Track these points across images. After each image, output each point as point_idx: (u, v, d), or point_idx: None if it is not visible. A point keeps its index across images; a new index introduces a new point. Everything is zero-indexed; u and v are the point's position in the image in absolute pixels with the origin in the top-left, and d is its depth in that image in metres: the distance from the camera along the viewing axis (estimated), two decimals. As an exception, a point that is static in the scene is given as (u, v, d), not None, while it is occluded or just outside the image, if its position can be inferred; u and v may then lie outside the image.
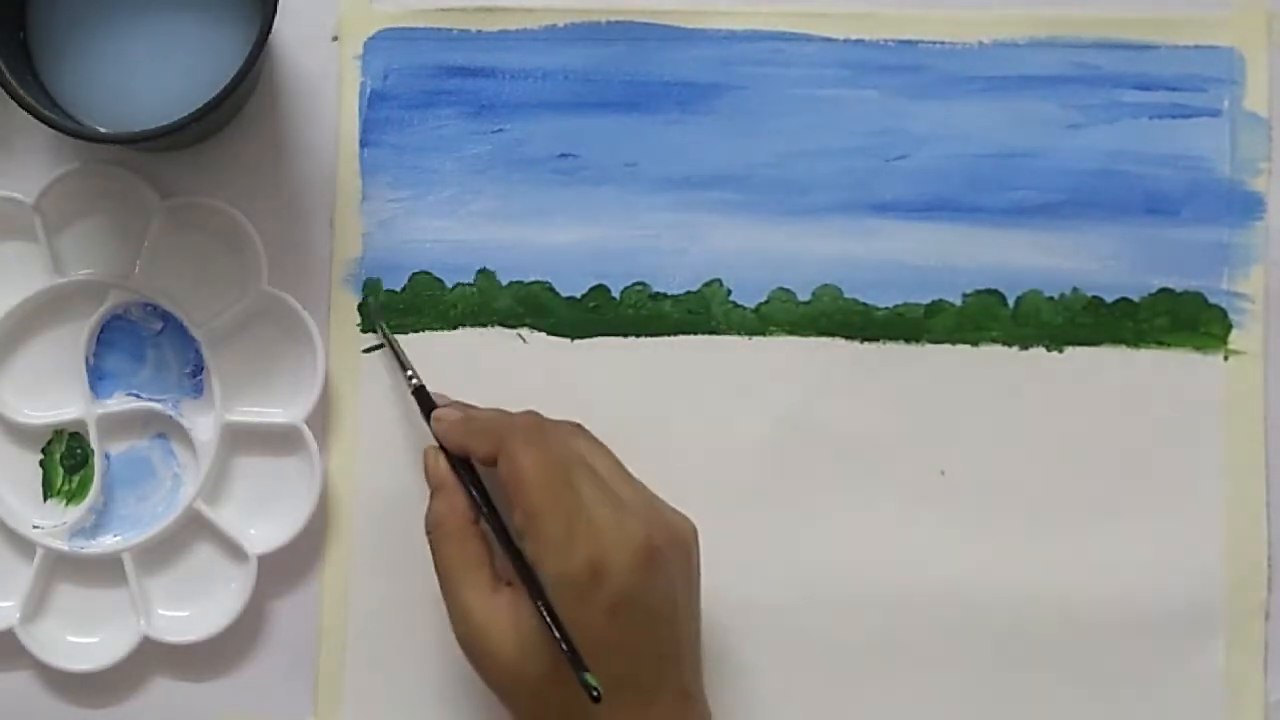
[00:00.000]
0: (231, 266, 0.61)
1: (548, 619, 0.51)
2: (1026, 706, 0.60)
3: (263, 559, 0.60)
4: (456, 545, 0.55)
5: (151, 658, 0.60)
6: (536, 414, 0.57)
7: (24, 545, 0.61)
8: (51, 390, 0.62)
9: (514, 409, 0.60)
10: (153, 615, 0.61)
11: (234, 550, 0.61)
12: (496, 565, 0.55)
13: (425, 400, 0.59)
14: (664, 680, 0.53)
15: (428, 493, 0.57)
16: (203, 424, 0.61)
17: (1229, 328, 0.61)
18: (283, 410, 0.61)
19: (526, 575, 0.53)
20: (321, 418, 0.61)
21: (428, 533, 0.56)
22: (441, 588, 0.55)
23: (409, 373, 0.60)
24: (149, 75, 0.59)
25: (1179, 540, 0.60)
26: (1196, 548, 0.60)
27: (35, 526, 0.61)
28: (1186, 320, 0.61)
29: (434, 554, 0.56)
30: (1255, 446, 0.60)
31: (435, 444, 0.58)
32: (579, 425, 0.57)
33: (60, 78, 0.59)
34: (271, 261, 0.61)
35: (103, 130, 0.57)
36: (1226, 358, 0.61)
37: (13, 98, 0.55)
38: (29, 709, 0.61)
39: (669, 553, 0.53)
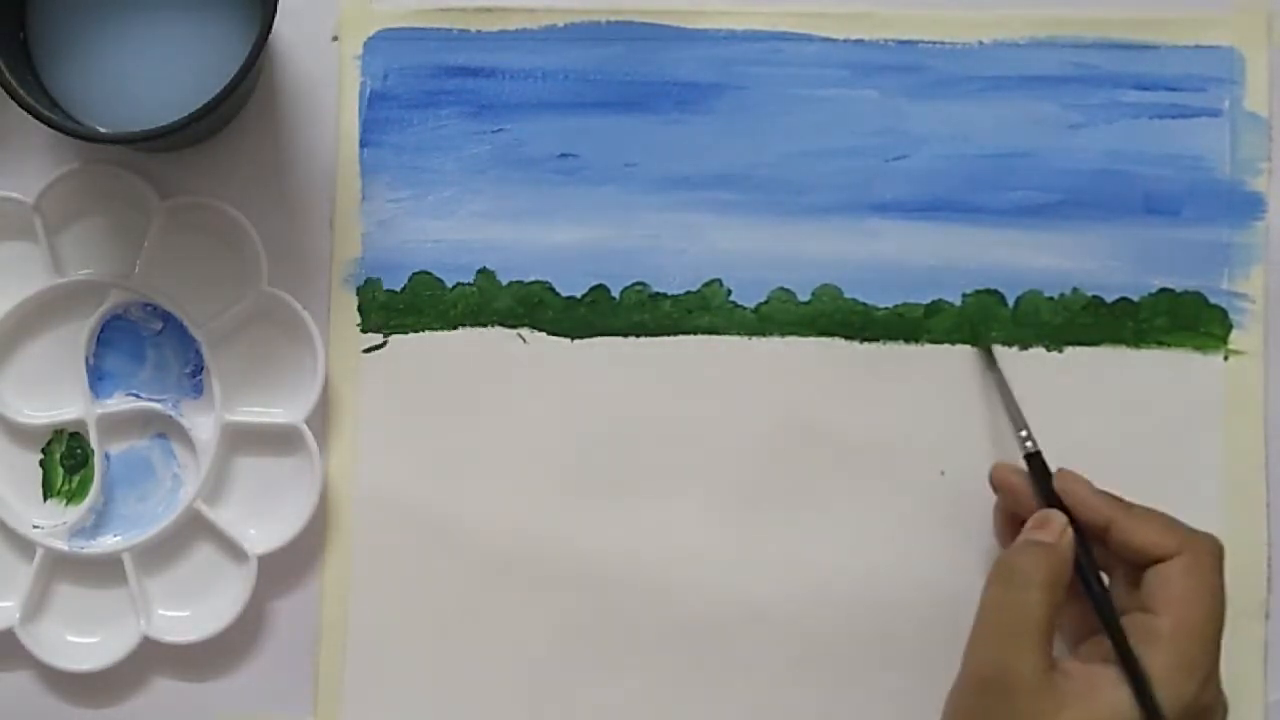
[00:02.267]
0: (231, 266, 0.62)
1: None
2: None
3: (263, 559, 0.60)
4: (1056, 596, 0.52)
5: (151, 658, 0.61)
6: (1221, 544, 0.54)
7: (24, 545, 0.61)
8: (51, 390, 0.62)
9: (514, 409, 0.61)
10: (153, 615, 0.61)
11: (234, 550, 0.61)
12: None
13: (1041, 466, 0.57)
14: None
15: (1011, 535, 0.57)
16: (203, 424, 0.61)
17: (1229, 328, 0.61)
18: (283, 410, 0.61)
19: (1131, 666, 0.51)
20: (321, 418, 0.61)
21: (1009, 566, 0.54)
22: (988, 621, 0.53)
23: (1024, 433, 0.58)
24: (149, 75, 0.59)
25: (1179, 540, 0.61)
26: (1196, 547, 0.61)
27: (35, 526, 0.61)
28: (1187, 320, 0.61)
29: (1014, 585, 0.53)
30: (1255, 447, 0.61)
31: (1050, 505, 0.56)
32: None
33: (60, 78, 0.59)
34: (271, 261, 0.61)
35: (102, 130, 0.58)
36: (1226, 358, 0.61)
37: (12, 98, 0.55)
38: (29, 709, 0.61)
39: None
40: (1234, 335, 0.61)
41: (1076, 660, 0.53)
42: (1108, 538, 0.54)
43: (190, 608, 0.61)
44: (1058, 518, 0.55)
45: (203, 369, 0.61)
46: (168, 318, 0.62)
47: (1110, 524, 0.54)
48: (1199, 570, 0.52)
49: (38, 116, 0.55)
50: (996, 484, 0.58)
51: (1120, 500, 0.56)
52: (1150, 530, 0.54)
